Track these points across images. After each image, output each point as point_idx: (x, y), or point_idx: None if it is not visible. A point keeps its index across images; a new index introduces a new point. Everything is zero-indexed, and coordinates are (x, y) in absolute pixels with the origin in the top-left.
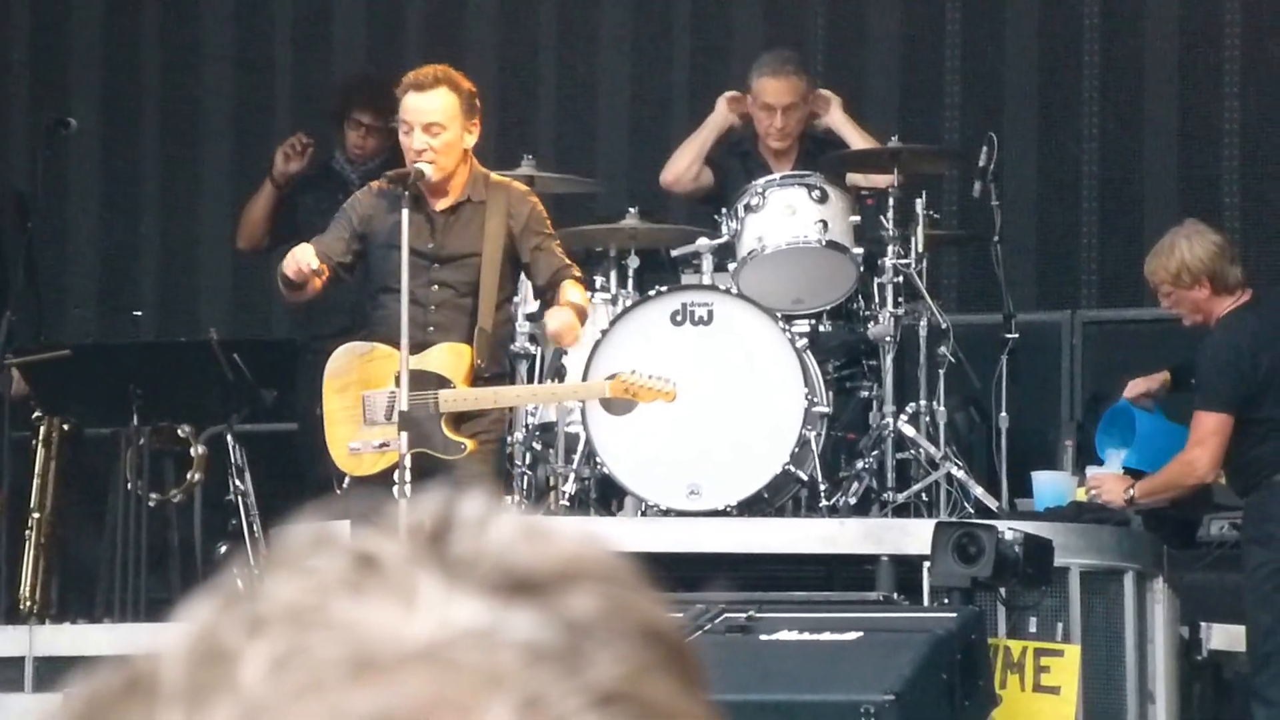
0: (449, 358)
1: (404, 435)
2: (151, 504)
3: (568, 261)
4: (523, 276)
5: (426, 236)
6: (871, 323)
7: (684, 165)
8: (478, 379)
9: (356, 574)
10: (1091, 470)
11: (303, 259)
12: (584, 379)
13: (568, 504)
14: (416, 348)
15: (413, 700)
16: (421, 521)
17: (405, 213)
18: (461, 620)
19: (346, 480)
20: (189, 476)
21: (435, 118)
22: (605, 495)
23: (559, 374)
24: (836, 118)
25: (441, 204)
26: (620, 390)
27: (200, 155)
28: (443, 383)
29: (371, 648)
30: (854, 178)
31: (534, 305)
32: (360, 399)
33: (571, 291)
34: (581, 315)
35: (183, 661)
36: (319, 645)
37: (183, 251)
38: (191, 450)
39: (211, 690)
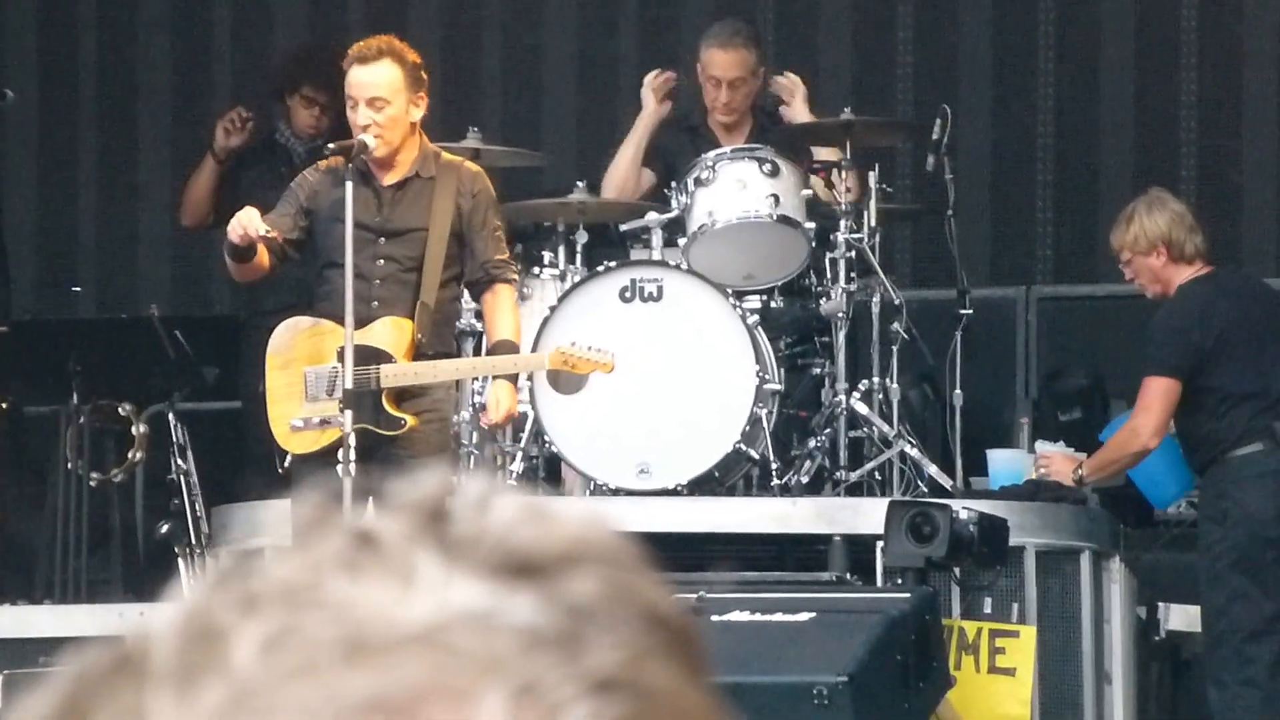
0: (391, 332)
1: (348, 413)
2: (92, 484)
3: (506, 257)
4: None
5: (373, 210)
6: (824, 298)
7: (621, 175)
8: (419, 355)
9: (354, 552)
10: (1041, 446)
11: (248, 223)
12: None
13: (515, 483)
14: (360, 323)
15: (407, 684)
16: (420, 500)
17: (349, 185)
18: (460, 602)
19: (288, 458)
20: (130, 455)
21: (379, 91)
22: (553, 474)
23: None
24: (799, 109)
25: (389, 178)
26: (559, 362)
27: (139, 127)
28: (384, 358)
29: (366, 629)
30: (824, 153)
31: None
32: (303, 375)
33: (503, 314)
34: (515, 335)
35: (173, 640)
36: (312, 625)
37: (122, 226)
38: (133, 429)
39: (202, 670)
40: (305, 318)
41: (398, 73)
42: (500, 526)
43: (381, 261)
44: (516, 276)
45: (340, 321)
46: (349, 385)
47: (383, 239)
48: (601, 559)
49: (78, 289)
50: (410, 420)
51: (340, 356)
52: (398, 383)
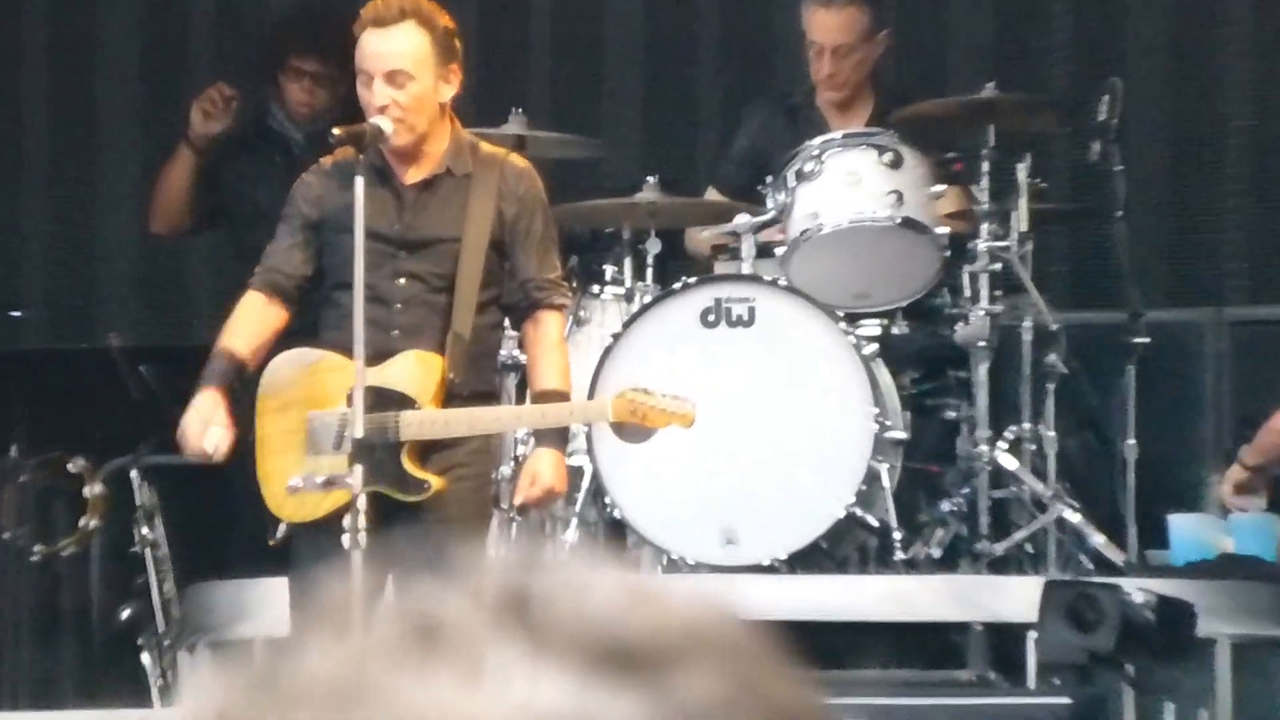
0: (415, 370)
1: (358, 469)
2: (36, 558)
3: (556, 275)
4: None
5: (392, 216)
6: (959, 323)
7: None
8: (451, 397)
9: (409, 643)
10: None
11: (197, 445)
12: (590, 396)
13: (568, 555)
14: (376, 357)
15: None
16: (494, 580)
17: (359, 182)
18: (547, 703)
19: (282, 527)
20: (83, 523)
21: (401, 63)
22: (616, 543)
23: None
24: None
25: (412, 175)
26: (625, 412)
27: (99, 113)
28: (406, 403)
29: None
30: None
31: None
32: (304, 422)
33: (547, 354)
34: (563, 381)
35: None
36: None
37: (76, 235)
38: (86, 489)
39: None
40: (308, 350)
41: (424, 40)
42: (596, 611)
43: (403, 280)
44: (568, 300)
45: (351, 355)
46: (360, 435)
47: (404, 252)
48: (722, 650)
49: (18, 313)
50: (435, 483)
51: (350, 399)
52: (422, 434)
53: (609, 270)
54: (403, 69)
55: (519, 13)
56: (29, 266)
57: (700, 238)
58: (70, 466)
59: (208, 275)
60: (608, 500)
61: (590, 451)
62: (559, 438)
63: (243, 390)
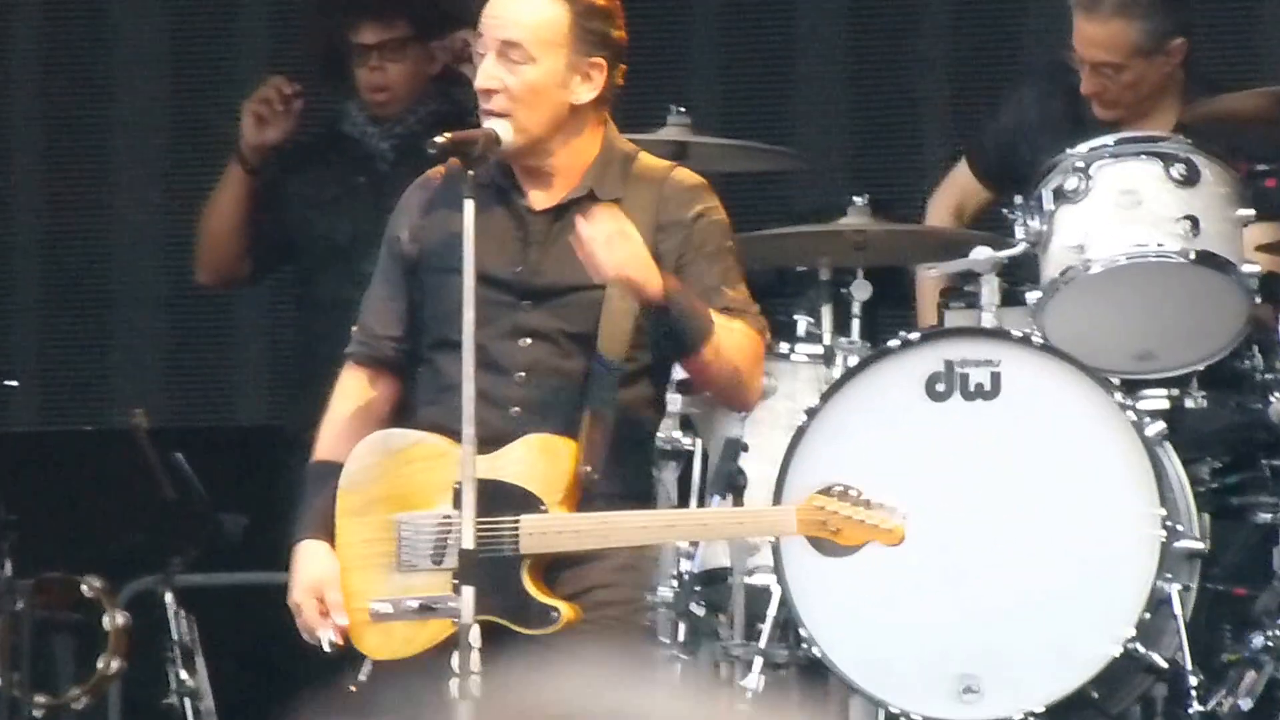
0: (539, 460)
1: (467, 591)
2: (37, 713)
3: (747, 298)
4: None
5: (514, 254)
6: (1275, 394)
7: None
8: (588, 498)
9: None
10: None
11: (315, 630)
12: (776, 495)
13: (751, 707)
14: (488, 443)
15: None
16: None
17: (469, 206)
18: None
19: (366, 667)
20: (100, 665)
21: (517, 33)
22: (814, 690)
23: (731, 485)
24: None
25: (543, 199)
26: (814, 524)
27: (114, 120)
28: (529, 503)
29: None
30: None
31: None
32: (392, 527)
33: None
34: (743, 363)
35: None
36: None
37: (85, 278)
38: (105, 619)
39: None
40: (398, 432)
41: (560, 13)
42: None
43: (527, 341)
44: (766, 331)
45: (455, 439)
46: (469, 545)
47: (527, 302)
48: None
49: (13, 384)
50: (566, 612)
51: (456, 498)
52: (548, 546)
53: (802, 323)
54: (519, 41)
55: None
56: (22, 321)
57: (928, 278)
58: (83, 589)
59: (259, 336)
60: (803, 634)
61: (777, 569)
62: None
63: None
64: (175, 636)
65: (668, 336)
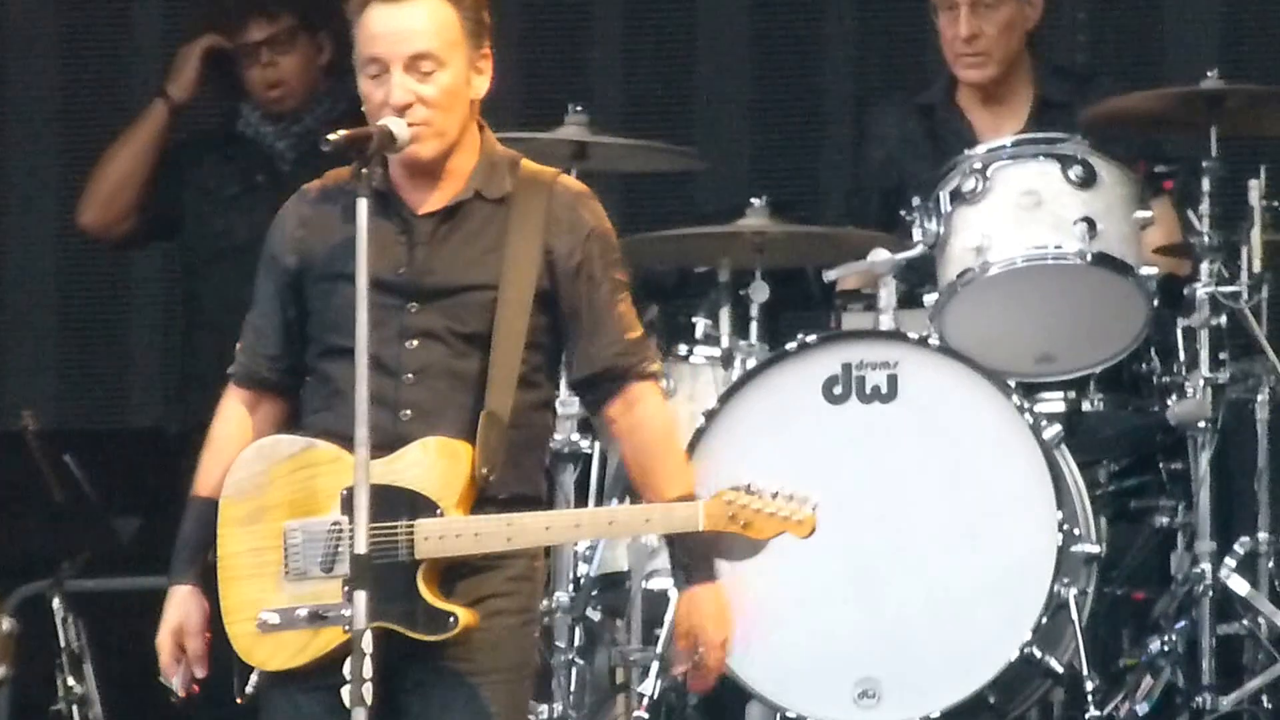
0: (434, 463)
1: (359, 596)
2: None
3: (639, 334)
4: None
5: (399, 255)
6: (1173, 397)
7: None
8: (484, 502)
9: None
10: None
11: (171, 674)
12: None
13: (647, 716)
14: (380, 447)
15: None
16: None
17: (363, 205)
18: None
19: (253, 677)
20: None
21: (426, 43)
22: (714, 701)
23: (630, 488)
24: None
25: (428, 201)
26: (722, 518)
27: (4, 115)
28: (423, 507)
29: None
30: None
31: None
32: (281, 534)
33: (658, 442)
34: (689, 485)
35: None
36: None
37: None
38: None
39: None
40: (286, 438)
41: (451, 14)
42: None
43: (415, 342)
44: (659, 367)
45: (346, 445)
46: (362, 550)
47: (415, 304)
48: None
49: None
50: (464, 616)
51: (346, 504)
52: (445, 550)
53: (701, 324)
54: (429, 51)
55: None
56: None
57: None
58: None
59: (151, 335)
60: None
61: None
62: (707, 565)
63: None
64: (64, 642)
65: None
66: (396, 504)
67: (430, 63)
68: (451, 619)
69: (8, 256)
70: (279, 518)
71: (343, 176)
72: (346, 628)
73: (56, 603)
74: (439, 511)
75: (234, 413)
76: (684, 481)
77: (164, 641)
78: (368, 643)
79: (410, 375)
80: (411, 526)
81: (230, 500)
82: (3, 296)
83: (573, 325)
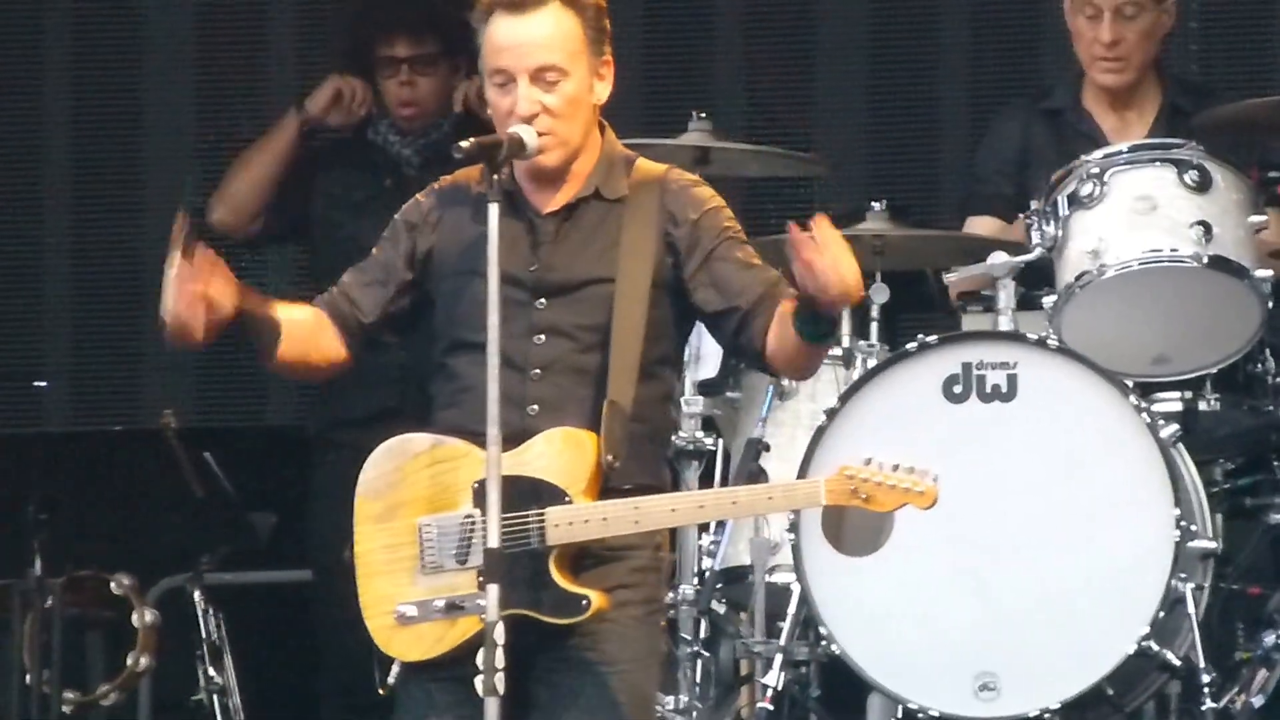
0: (561, 453)
1: (492, 590)
2: (67, 709)
3: (779, 275)
4: (698, 327)
5: (525, 254)
6: None
7: None
8: (609, 490)
9: None
10: None
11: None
12: None
13: (771, 708)
14: (509, 440)
15: None
16: None
17: (494, 210)
18: None
19: (394, 669)
20: (130, 662)
21: (551, 56)
22: (837, 691)
23: (753, 484)
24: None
25: (551, 201)
26: (844, 493)
27: (143, 118)
28: (552, 496)
29: None
30: None
31: (713, 368)
32: (416, 530)
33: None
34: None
35: None
36: None
37: (116, 280)
38: (134, 616)
39: None
40: (416, 436)
41: (574, 24)
42: None
43: (542, 337)
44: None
45: (477, 441)
46: (494, 544)
47: (542, 300)
48: None
49: (41, 383)
50: (596, 599)
51: (479, 497)
52: (575, 536)
53: None
54: (554, 63)
55: None
56: (52, 321)
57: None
58: (112, 587)
59: None
60: (823, 632)
61: (798, 567)
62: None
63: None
64: (204, 634)
65: (816, 327)
66: (526, 493)
67: (555, 73)
68: (585, 601)
69: (146, 258)
70: (412, 514)
71: (472, 176)
72: (483, 616)
73: (197, 596)
74: (568, 499)
75: (308, 311)
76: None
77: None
78: (500, 633)
79: (537, 370)
80: (542, 514)
81: (364, 499)
82: (144, 298)
83: (709, 283)
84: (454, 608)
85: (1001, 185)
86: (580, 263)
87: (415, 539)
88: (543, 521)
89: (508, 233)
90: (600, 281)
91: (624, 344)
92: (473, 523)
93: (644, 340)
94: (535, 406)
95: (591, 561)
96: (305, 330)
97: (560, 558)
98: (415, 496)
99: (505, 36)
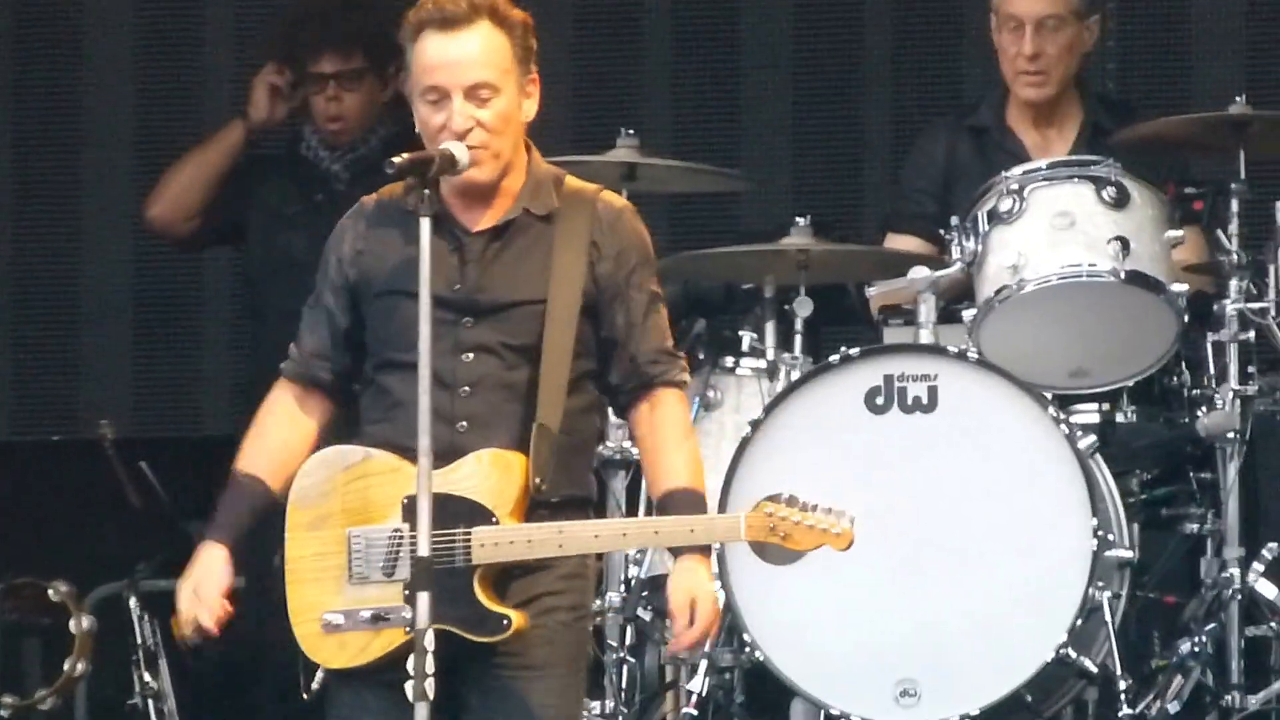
0: (489, 474)
1: (422, 599)
2: (5, 713)
3: (670, 345)
4: None
5: (452, 273)
6: (1202, 409)
7: None
8: (536, 508)
9: None
10: None
11: (184, 621)
12: (721, 503)
13: (695, 713)
14: (438, 457)
15: None
16: None
17: (426, 225)
18: None
19: (318, 676)
20: (67, 667)
21: (483, 73)
22: (759, 698)
23: None
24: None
25: (480, 220)
26: (763, 529)
27: (81, 131)
28: (479, 516)
29: None
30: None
31: None
32: (345, 540)
33: (671, 442)
34: (697, 479)
35: None
36: None
37: (53, 291)
38: (71, 623)
39: None
40: (348, 448)
41: (504, 42)
42: None
43: (469, 356)
44: (687, 377)
45: (406, 456)
46: (424, 552)
47: (470, 319)
48: None
49: None
50: (516, 619)
51: (407, 512)
52: (499, 556)
53: (746, 338)
54: (487, 80)
55: (630, 12)
56: None
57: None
58: (50, 594)
59: (222, 346)
60: (746, 639)
61: (722, 575)
62: (696, 548)
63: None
64: (139, 640)
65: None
66: (454, 513)
67: (488, 90)
68: (505, 621)
69: (84, 271)
70: (341, 524)
71: (396, 192)
72: (407, 629)
73: (133, 602)
74: (495, 520)
75: (283, 404)
76: (692, 475)
77: (183, 590)
78: (430, 640)
79: (466, 388)
80: (469, 534)
81: (295, 507)
82: (80, 310)
83: (610, 333)
84: (379, 619)
85: (925, 204)
86: (512, 283)
87: (344, 549)
88: (469, 540)
89: (435, 252)
90: (530, 302)
91: (553, 364)
92: (400, 537)
93: (572, 360)
94: (464, 423)
95: (520, 570)
96: (295, 453)
97: (484, 576)
98: (346, 507)
99: (437, 54)
